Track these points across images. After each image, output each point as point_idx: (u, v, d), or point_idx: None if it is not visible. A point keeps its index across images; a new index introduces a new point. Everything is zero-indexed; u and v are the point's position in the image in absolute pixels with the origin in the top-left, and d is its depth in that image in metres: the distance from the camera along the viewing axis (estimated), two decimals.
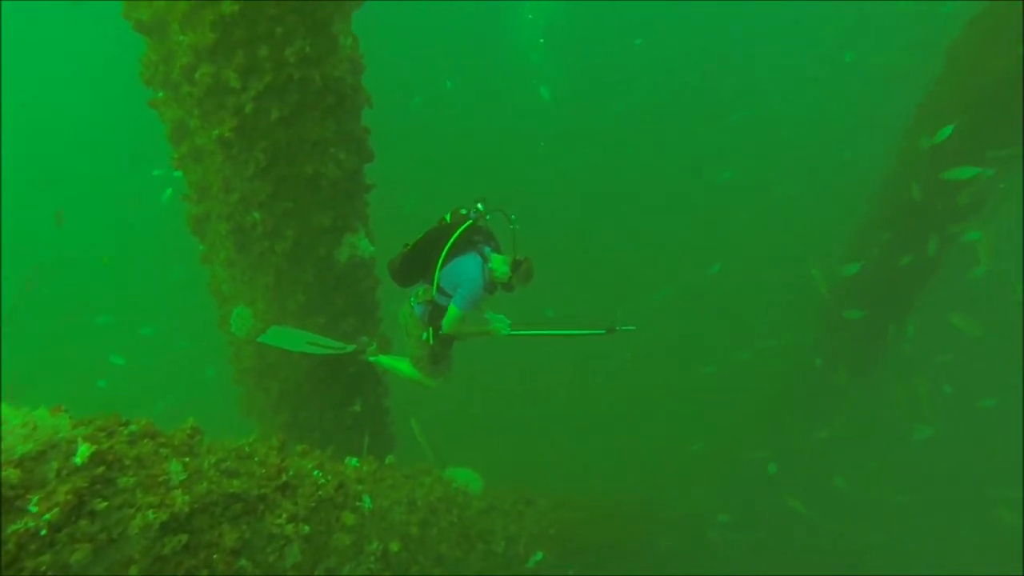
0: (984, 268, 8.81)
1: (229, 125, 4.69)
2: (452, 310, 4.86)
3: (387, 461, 5.16)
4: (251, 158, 4.95)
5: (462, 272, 4.87)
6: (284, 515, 3.66)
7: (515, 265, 4.80)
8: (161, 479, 3.13)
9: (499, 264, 4.91)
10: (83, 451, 2.88)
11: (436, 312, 5.05)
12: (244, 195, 5.17)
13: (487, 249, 5.02)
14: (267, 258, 5.57)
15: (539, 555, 5.31)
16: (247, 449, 3.79)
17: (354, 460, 4.68)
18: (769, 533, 11.75)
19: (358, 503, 4.22)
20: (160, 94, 5.19)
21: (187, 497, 3.15)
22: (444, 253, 4.82)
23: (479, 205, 5.14)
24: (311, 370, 6.23)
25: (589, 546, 6.36)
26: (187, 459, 3.33)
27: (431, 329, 5.07)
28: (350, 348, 5.64)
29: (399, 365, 5.54)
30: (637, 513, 8.34)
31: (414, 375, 5.46)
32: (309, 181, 5.32)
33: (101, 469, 2.89)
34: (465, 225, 4.91)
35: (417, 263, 5.02)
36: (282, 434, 6.29)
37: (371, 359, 5.64)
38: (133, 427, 3.22)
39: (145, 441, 3.19)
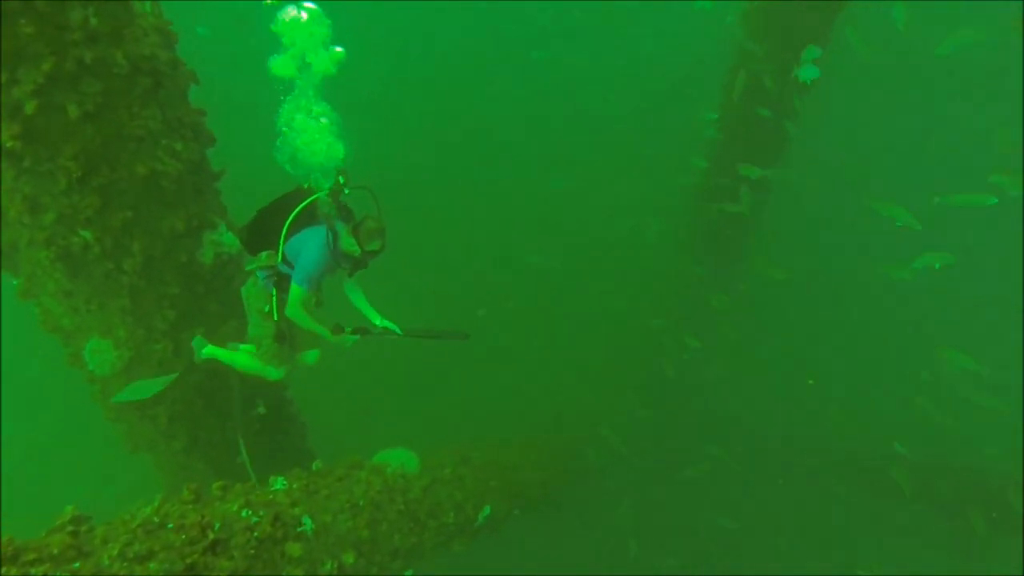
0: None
1: (9, 132, 3.47)
2: (293, 288, 4.30)
3: (315, 467, 4.59)
4: (57, 169, 3.77)
5: (304, 244, 4.35)
6: None
7: (355, 230, 4.23)
8: None
9: (346, 236, 4.32)
10: None
11: (281, 282, 4.45)
12: (62, 214, 4.00)
13: (339, 225, 4.36)
14: (115, 279, 4.48)
15: (487, 510, 5.18)
16: (156, 519, 3.07)
17: (280, 480, 4.07)
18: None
19: (299, 528, 3.69)
20: None
21: None
22: (289, 221, 4.30)
23: (339, 178, 4.46)
24: (199, 384, 5.31)
25: (530, 482, 6.38)
26: (77, 565, 2.59)
27: (275, 300, 4.44)
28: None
29: (235, 357, 4.76)
30: (562, 437, 8.54)
31: (252, 365, 4.73)
32: (145, 183, 4.24)
33: None
34: (317, 195, 4.36)
35: (263, 229, 4.41)
36: (182, 459, 5.49)
37: (204, 355, 4.72)
38: None
39: (4, 570, 2.40)
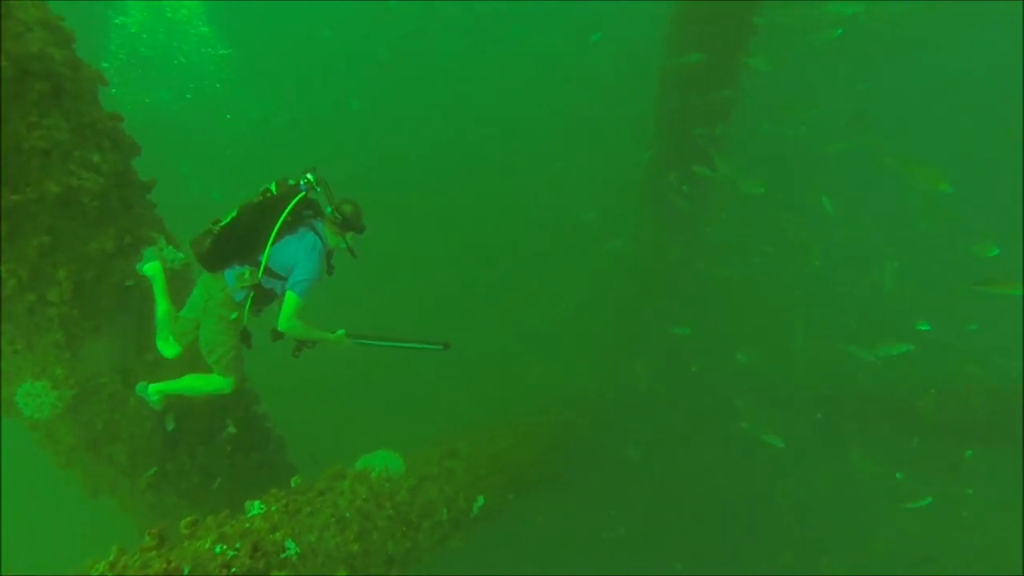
0: None
1: None
2: (291, 298, 3.85)
3: (293, 484, 4.16)
4: None
5: (297, 253, 3.92)
6: None
7: (339, 222, 4.03)
8: None
9: (330, 234, 4.12)
10: None
11: (261, 297, 3.99)
12: None
13: (319, 224, 4.01)
14: (41, 312, 3.91)
15: (480, 500, 4.87)
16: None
17: (256, 505, 3.64)
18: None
19: (283, 554, 3.29)
20: None
21: None
22: (276, 230, 3.84)
23: (309, 175, 4.06)
24: (160, 425, 4.78)
25: (522, 467, 6.09)
26: None
27: (247, 309, 4.00)
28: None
29: (183, 384, 4.25)
30: (551, 418, 8.27)
31: (206, 385, 4.21)
32: (61, 202, 3.68)
33: None
34: (298, 198, 3.93)
35: (237, 242, 3.87)
36: (150, 496, 4.96)
37: (155, 396, 4.21)
38: None
39: None
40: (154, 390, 4.23)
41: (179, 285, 4.82)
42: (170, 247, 4.81)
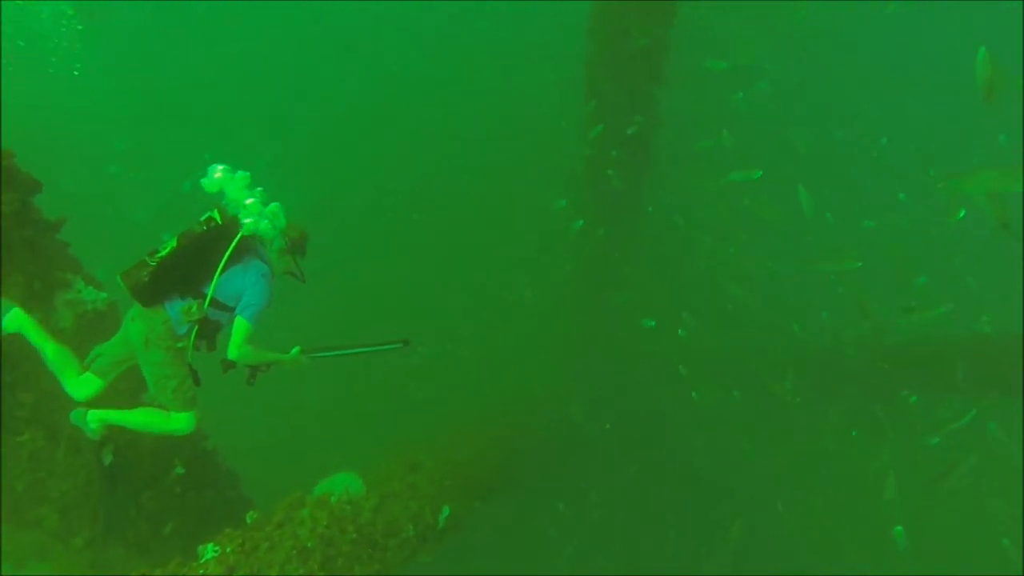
0: None
1: None
2: (241, 324, 3.68)
3: (249, 520, 3.96)
4: None
5: (244, 281, 3.77)
6: None
7: (285, 244, 3.98)
8: None
9: (276, 259, 4.02)
10: None
11: (206, 330, 3.81)
12: None
13: (264, 251, 3.95)
14: None
15: (446, 511, 4.78)
16: None
17: (210, 549, 3.43)
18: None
19: None
20: None
21: None
22: (225, 259, 3.70)
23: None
24: (97, 460, 4.42)
25: (486, 474, 6.03)
26: None
27: (192, 339, 3.80)
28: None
29: (139, 417, 3.93)
30: (511, 423, 8.22)
31: (164, 424, 3.89)
32: None
33: None
34: (245, 228, 3.82)
35: (179, 274, 3.67)
36: (91, 555, 4.57)
37: (94, 424, 3.83)
38: None
39: None
40: (94, 417, 3.86)
41: (106, 327, 4.48)
42: (89, 287, 4.48)
